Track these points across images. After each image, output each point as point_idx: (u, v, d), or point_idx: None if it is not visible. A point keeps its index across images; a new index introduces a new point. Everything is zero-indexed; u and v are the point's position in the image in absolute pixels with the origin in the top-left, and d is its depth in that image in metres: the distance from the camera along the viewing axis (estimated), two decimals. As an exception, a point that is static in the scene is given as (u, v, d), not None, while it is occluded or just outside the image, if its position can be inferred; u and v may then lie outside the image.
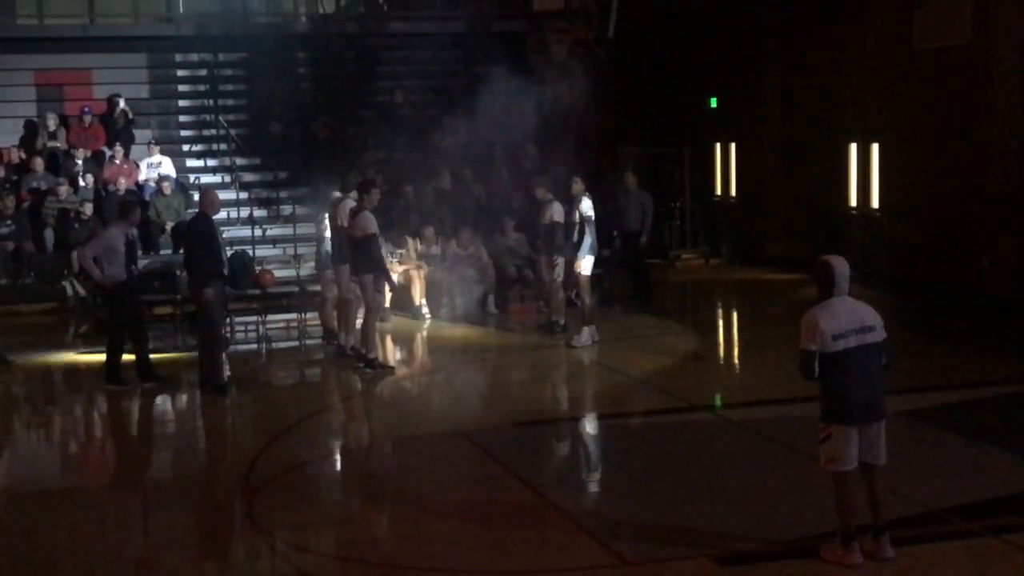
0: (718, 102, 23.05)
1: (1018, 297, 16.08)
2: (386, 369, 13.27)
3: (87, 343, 15.58)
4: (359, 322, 13.61)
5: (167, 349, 14.60)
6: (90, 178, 19.41)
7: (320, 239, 14.72)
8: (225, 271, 12.54)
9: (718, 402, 12.10)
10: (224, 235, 15.82)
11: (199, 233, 12.37)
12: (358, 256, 13.04)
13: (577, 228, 14.44)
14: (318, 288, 15.34)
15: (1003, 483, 8.94)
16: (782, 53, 21.33)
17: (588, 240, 14.49)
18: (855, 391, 7.20)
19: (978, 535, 7.84)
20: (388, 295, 15.21)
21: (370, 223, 12.92)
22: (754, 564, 7.49)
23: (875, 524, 7.37)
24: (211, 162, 21.29)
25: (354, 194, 13.36)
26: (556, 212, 14.77)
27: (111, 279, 12.51)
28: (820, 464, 7.43)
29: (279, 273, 17.66)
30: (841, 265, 7.42)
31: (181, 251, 12.66)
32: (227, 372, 12.70)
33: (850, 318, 7.29)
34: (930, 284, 17.39)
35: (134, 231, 13.38)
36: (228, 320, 15.05)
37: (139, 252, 13.57)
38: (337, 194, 13.88)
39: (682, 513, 8.49)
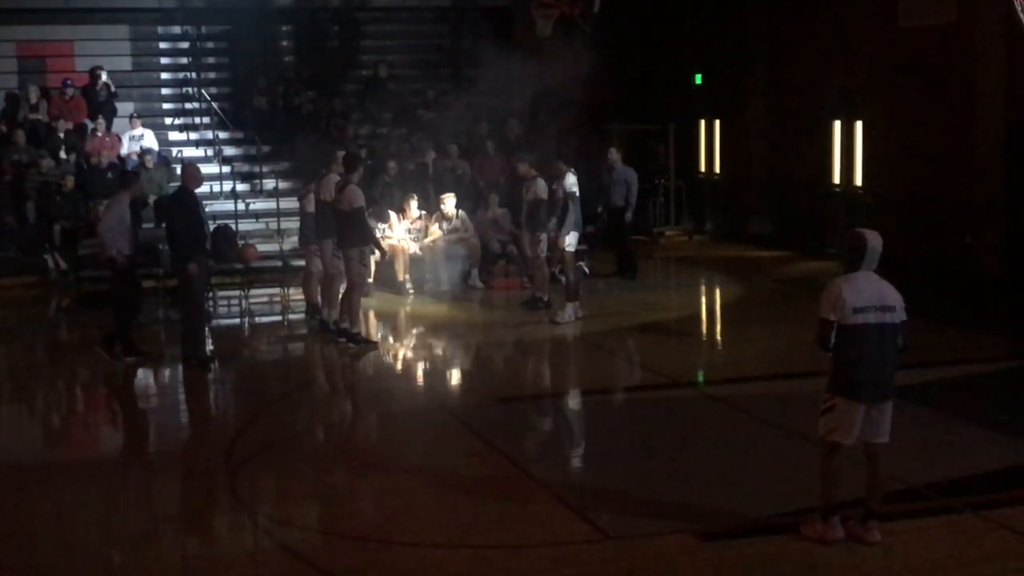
0: (703, 79, 23.02)
1: (1001, 275, 16.16)
2: (369, 344, 13.26)
3: (70, 316, 15.53)
4: (342, 297, 13.59)
5: (149, 323, 14.54)
6: (74, 150, 19.30)
7: (304, 213, 14.68)
8: (208, 245, 12.47)
9: (701, 378, 12.14)
10: (207, 209, 15.74)
11: (181, 207, 12.29)
12: (344, 230, 13.01)
13: (560, 205, 14.44)
14: (301, 263, 15.31)
15: (982, 460, 9.00)
16: (768, 30, 21.30)
17: (572, 216, 14.48)
18: (867, 367, 7.18)
19: (957, 511, 7.90)
20: (372, 269, 15.18)
21: (357, 196, 12.90)
22: (735, 540, 7.53)
23: (867, 506, 7.38)
24: (193, 136, 21.20)
25: (339, 168, 13.33)
26: (540, 188, 14.77)
27: (122, 252, 12.42)
28: (818, 435, 7.40)
29: (262, 247, 17.61)
30: (875, 240, 7.38)
31: (163, 225, 12.54)
32: (210, 346, 12.68)
33: (872, 294, 7.27)
34: (913, 262, 17.40)
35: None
36: (211, 294, 15.01)
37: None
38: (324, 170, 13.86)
39: (664, 488, 8.53)
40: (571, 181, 14.58)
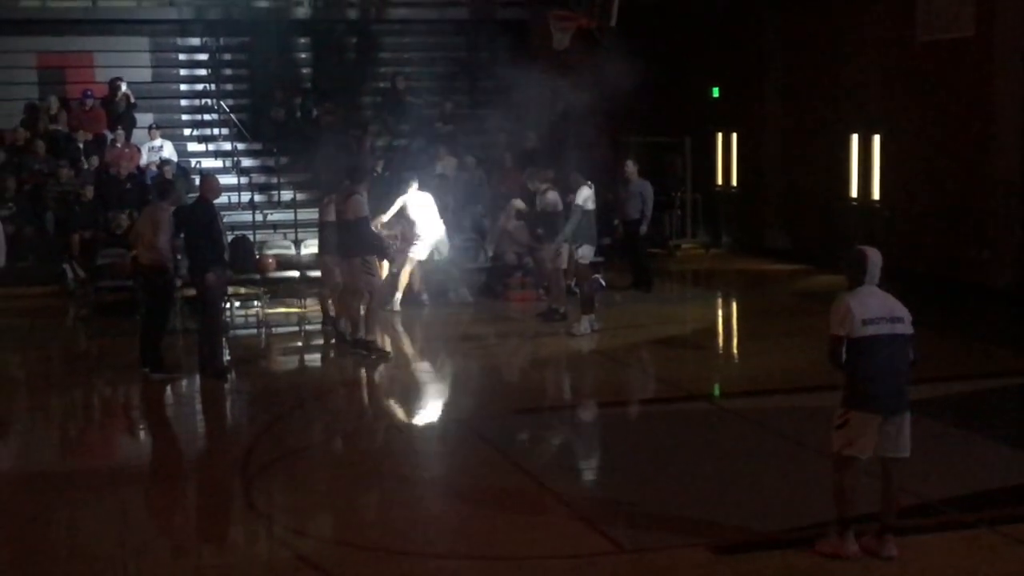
0: (720, 91, 23.03)
1: (1017, 290, 16.10)
2: (383, 354, 13.30)
3: (88, 326, 15.60)
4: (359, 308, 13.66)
5: (166, 332, 14.57)
6: (94, 160, 19.42)
7: (323, 224, 14.73)
8: (226, 256, 12.52)
9: (716, 391, 12.12)
10: (224, 220, 15.81)
11: (200, 218, 12.37)
12: (348, 239, 13.13)
13: (574, 218, 14.52)
14: (318, 274, 15.37)
15: (998, 475, 8.98)
16: (784, 43, 21.30)
17: (587, 229, 14.54)
18: (881, 379, 7.17)
19: (972, 526, 7.87)
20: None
21: (361, 206, 13.02)
22: (750, 553, 7.52)
23: (883, 521, 7.36)
24: (211, 147, 21.31)
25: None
26: (553, 200, 14.85)
27: (164, 263, 12.36)
28: (833, 449, 7.37)
29: (280, 259, 17.69)
30: (875, 255, 7.40)
31: (182, 236, 12.58)
32: (227, 356, 12.72)
33: (880, 307, 7.28)
34: (930, 276, 17.39)
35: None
36: (228, 305, 15.07)
37: None
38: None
39: (679, 501, 8.52)
40: (585, 194, 14.62)
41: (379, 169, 18.81)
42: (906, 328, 7.29)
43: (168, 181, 13.63)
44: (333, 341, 14.29)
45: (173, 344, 14.04)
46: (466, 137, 20.57)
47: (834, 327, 7.28)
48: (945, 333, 14.38)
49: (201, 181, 13.31)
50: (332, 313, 14.54)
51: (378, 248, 13.57)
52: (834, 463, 7.38)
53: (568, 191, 14.84)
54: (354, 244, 13.10)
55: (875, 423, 7.21)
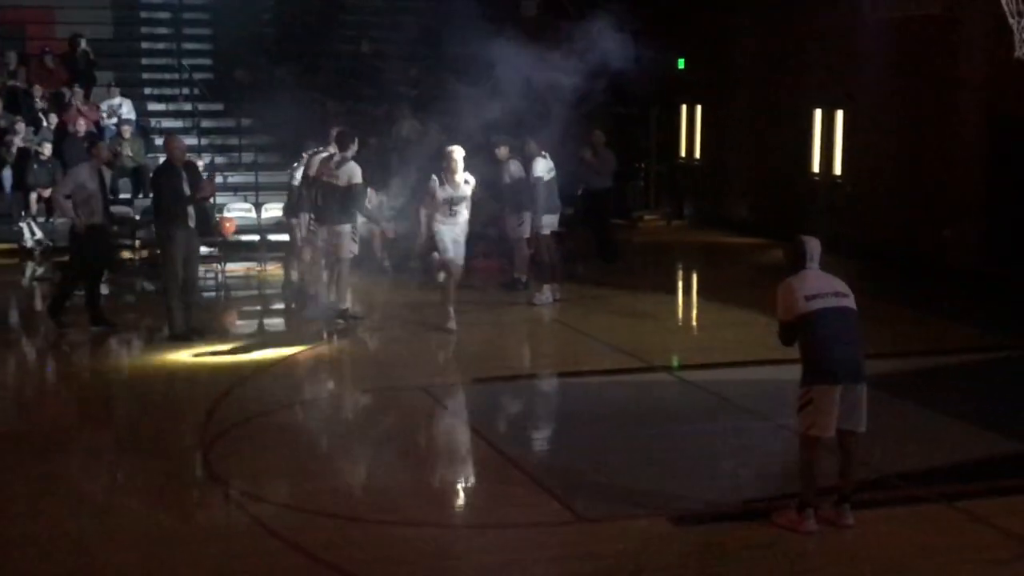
0: (686, 63, 23.00)
1: (978, 267, 16.23)
2: (357, 320, 13.24)
3: (44, 286, 15.42)
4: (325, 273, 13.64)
5: (126, 294, 14.47)
6: (53, 118, 19.16)
7: (291, 187, 14.58)
8: (191, 220, 12.38)
9: (676, 363, 12.16)
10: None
11: (164, 180, 12.28)
12: (337, 205, 12.93)
13: (537, 192, 14.49)
14: (281, 237, 15.25)
15: (955, 450, 9.07)
16: (752, 16, 21.29)
17: (547, 200, 14.54)
18: (835, 350, 7.22)
19: (929, 501, 7.94)
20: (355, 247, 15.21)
21: (356, 173, 12.87)
22: (708, 524, 7.56)
23: (841, 492, 7.42)
24: (172, 106, 21.07)
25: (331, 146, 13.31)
26: (515, 170, 14.79)
27: (85, 221, 12.38)
28: (800, 432, 7.39)
29: (240, 221, 17.54)
30: (812, 242, 7.55)
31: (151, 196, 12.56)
32: (189, 321, 12.61)
33: (823, 285, 7.39)
34: (891, 252, 17.51)
35: (108, 171, 13.20)
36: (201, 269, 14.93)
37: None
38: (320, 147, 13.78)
39: (639, 472, 8.54)
40: (542, 166, 14.60)
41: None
42: (851, 302, 7.40)
43: (95, 139, 13.52)
44: (294, 305, 14.19)
45: (130, 305, 13.94)
46: (432, 103, 20.44)
47: (780, 313, 7.42)
48: (905, 309, 14.51)
49: (165, 143, 13.19)
50: (295, 278, 14.45)
51: (372, 216, 13.51)
52: (801, 443, 7.42)
53: (526, 160, 14.78)
54: (345, 211, 12.95)
55: (835, 395, 7.24)
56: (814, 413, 7.27)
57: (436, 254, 13.06)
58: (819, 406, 7.25)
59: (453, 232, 12.84)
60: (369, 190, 14.69)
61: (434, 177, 12.79)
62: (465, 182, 12.83)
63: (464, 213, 12.90)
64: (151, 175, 12.49)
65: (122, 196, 18.39)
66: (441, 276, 13.16)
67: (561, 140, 15.80)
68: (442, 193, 12.71)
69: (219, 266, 16.56)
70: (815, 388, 7.26)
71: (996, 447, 9.14)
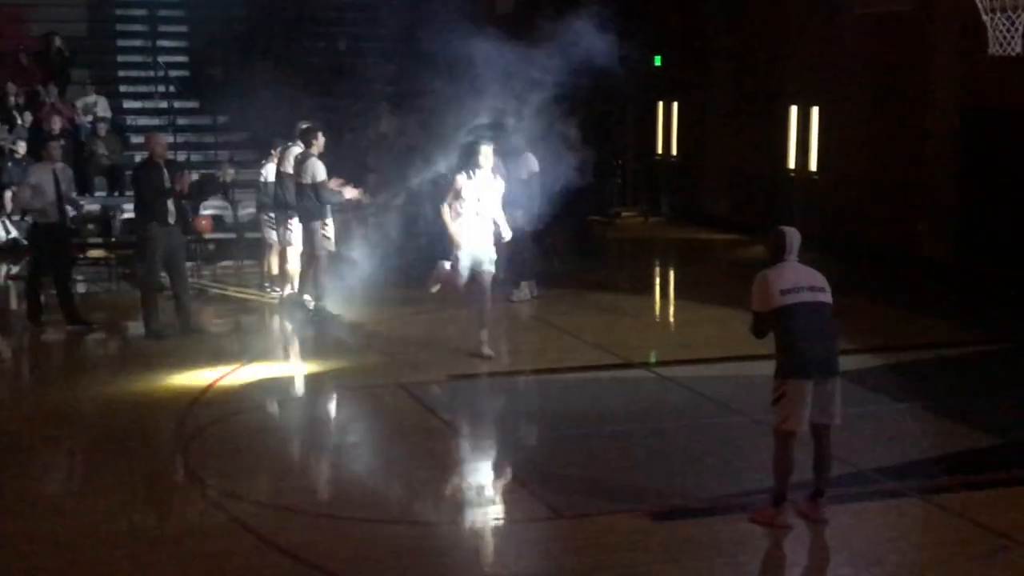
0: (663, 60, 23.05)
1: (952, 262, 16.33)
2: (334, 316, 13.23)
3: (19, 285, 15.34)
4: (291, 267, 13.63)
5: (102, 292, 14.43)
6: (27, 116, 19.05)
7: (263, 184, 14.58)
8: (170, 218, 12.35)
9: (654, 359, 12.19)
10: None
11: (145, 177, 12.30)
12: (306, 202, 12.98)
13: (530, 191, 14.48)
14: (256, 235, 15.22)
15: (930, 445, 9.13)
16: (727, 13, 21.35)
17: (528, 198, 14.53)
18: (809, 344, 7.25)
19: (903, 495, 7.99)
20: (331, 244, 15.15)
21: (319, 169, 12.88)
22: (687, 519, 7.58)
23: (817, 486, 7.46)
24: (148, 104, 20.98)
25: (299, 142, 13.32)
26: (500, 168, 14.76)
27: (43, 220, 12.43)
28: (773, 426, 7.43)
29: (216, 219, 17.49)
30: (793, 234, 7.54)
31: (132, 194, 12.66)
32: (167, 317, 12.59)
33: (800, 278, 7.40)
34: (867, 247, 17.60)
35: (67, 170, 13.15)
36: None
37: (74, 193, 13.35)
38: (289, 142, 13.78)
39: (617, 468, 8.57)
40: (527, 163, 14.59)
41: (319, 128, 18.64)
42: (827, 297, 7.42)
43: (50, 143, 13.61)
44: (273, 302, 14.16)
45: (106, 303, 13.89)
46: (409, 99, 20.40)
47: (754, 303, 7.44)
48: (881, 304, 14.59)
49: (146, 141, 13.20)
50: (274, 273, 14.44)
51: (331, 201, 13.41)
52: (775, 438, 7.45)
53: (507, 157, 14.74)
54: (314, 208, 12.98)
55: (808, 389, 7.28)
56: (787, 407, 7.30)
57: (442, 262, 11.93)
58: (792, 400, 7.28)
59: (479, 237, 11.55)
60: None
61: (461, 173, 11.69)
62: (494, 175, 11.78)
63: (495, 214, 11.70)
64: (131, 172, 12.49)
65: (97, 194, 18.31)
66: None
67: (538, 138, 15.80)
68: (469, 187, 11.51)
69: (196, 263, 16.48)
70: (788, 382, 7.30)
71: (972, 442, 9.21)
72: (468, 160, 11.81)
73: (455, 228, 11.48)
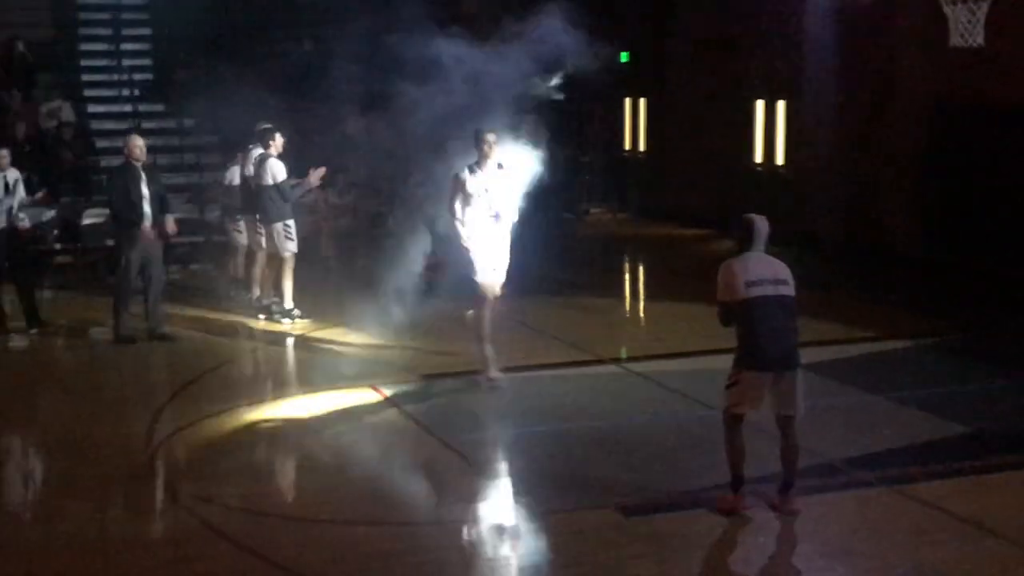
0: (629, 57, 23.08)
1: (918, 254, 16.43)
2: (300, 319, 13.22)
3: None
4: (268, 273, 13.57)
5: (71, 297, 14.34)
6: (-10, 122, 18.91)
7: (226, 187, 14.54)
8: (145, 221, 12.28)
9: (624, 355, 12.21)
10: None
11: (119, 181, 12.31)
12: (268, 204, 13.00)
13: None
14: (224, 239, 15.16)
15: (899, 435, 9.18)
16: (692, 8, 21.41)
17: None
18: (769, 338, 7.30)
19: (873, 485, 8.04)
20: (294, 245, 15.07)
21: (279, 170, 12.89)
22: (658, 514, 7.60)
23: (785, 479, 7.51)
24: (113, 108, 20.86)
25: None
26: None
27: None
28: (722, 409, 7.52)
29: (183, 223, 17.37)
30: (761, 222, 7.59)
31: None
32: (134, 322, 12.52)
33: (764, 270, 7.44)
34: (835, 240, 17.68)
35: (13, 176, 13.04)
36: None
37: (24, 198, 13.25)
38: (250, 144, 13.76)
39: (588, 464, 8.59)
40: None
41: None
42: (790, 290, 7.46)
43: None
44: (241, 306, 14.10)
45: (73, 308, 13.79)
46: (377, 100, 20.34)
47: (720, 293, 7.48)
48: (850, 296, 14.68)
49: (125, 143, 13.18)
50: (239, 277, 14.38)
51: (291, 197, 13.36)
52: (724, 422, 7.50)
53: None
54: (275, 210, 12.99)
55: (766, 381, 7.34)
56: (739, 394, 7.39)
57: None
58: (745, 388, 7.37)
59: (496, 243, 10.46)
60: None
61: (465, 169, 10.42)
62: (499, 167, 10.52)
63: (507, 214, 10.49)
64: (107, 176, 12.48)
65: (63, 199, 18.16)
66: (470, 313, 10.92)
67: (506, 136, 15.80)
68: (474, 183, 10.33)
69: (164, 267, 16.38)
70: (744, 373, 7.38)
71: (940, 431, 9.28)
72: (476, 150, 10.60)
73: (471, 242, 10.32)
